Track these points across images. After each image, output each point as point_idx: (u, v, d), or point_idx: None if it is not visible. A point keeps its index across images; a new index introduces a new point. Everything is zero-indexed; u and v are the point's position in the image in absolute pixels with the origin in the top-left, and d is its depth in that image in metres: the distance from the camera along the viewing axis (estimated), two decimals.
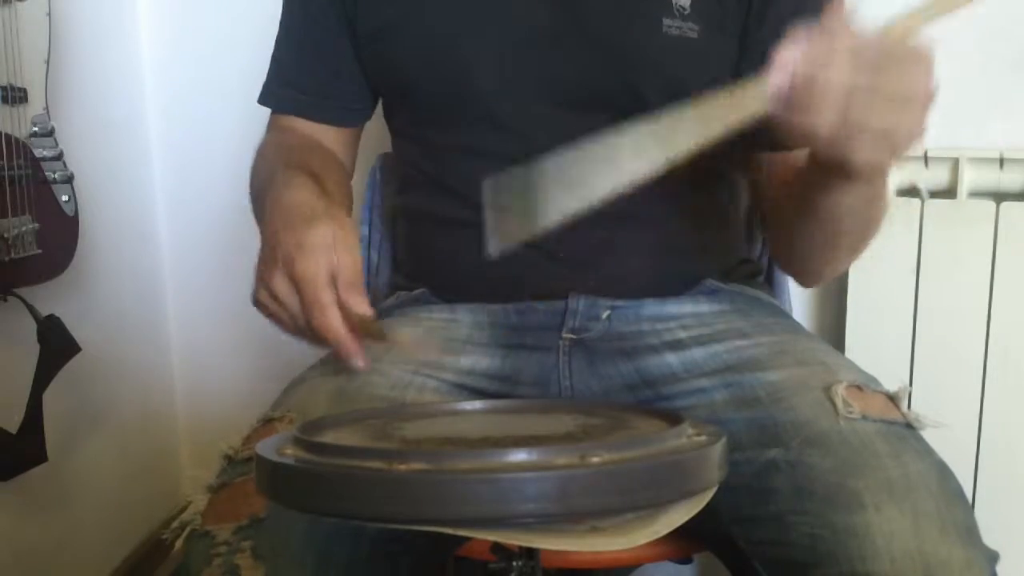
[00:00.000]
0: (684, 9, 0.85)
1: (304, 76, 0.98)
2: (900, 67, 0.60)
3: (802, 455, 0.73)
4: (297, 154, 0.93)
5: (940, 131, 1.26)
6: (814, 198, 0.77)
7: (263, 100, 1.00)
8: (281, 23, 0.99)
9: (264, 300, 0.75)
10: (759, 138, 0.93)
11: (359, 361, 0.75)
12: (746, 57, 0.89)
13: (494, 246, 0.61)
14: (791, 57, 0.58)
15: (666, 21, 0.85)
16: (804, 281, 0.98)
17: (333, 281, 0.72)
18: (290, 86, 0.99)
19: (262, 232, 0.81)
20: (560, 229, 0.90)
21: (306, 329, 0.74)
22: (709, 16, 0.86)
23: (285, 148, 0.96)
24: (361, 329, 0.73)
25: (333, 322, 0.70)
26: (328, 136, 0.99)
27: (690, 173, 0.91)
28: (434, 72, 0.89)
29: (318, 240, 0.72)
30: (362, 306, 0.72)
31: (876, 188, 0.75)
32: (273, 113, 1.01)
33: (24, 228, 1.10)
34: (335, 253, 0.71)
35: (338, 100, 0.98)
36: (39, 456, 1.19)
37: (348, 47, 0.94)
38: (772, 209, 0.94)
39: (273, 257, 0.74)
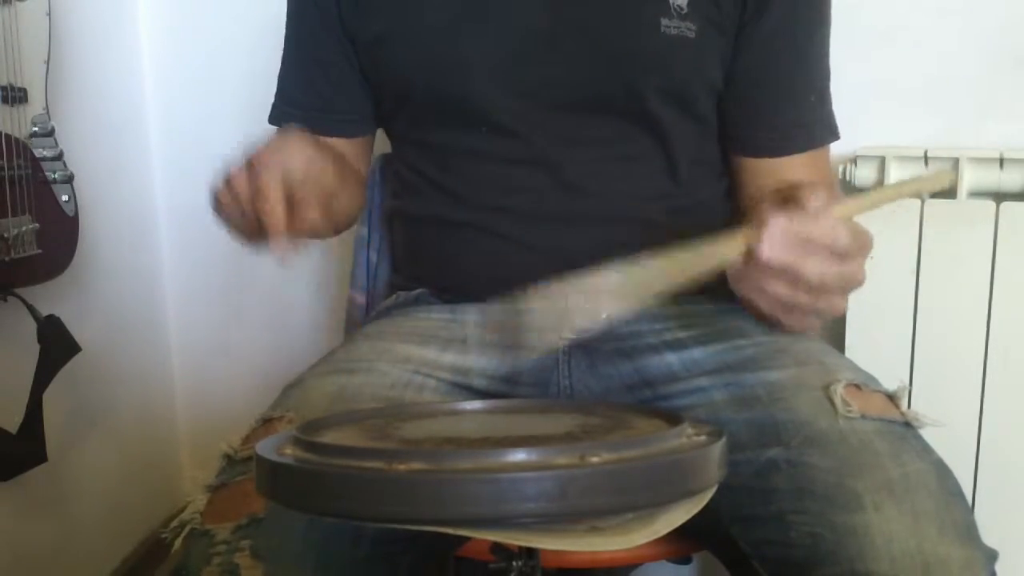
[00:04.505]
0: (682, 9, 0.85)
1: (310, 93, 0.99)
2: (854, 261, 0.65)
3: (802, 455, 0.73)
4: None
5: (940, 131, 1.27)
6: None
7: (272, 120, 1.01)
8: (285, 42, 0.99)
9: (220, 192, 0.74)
10: (736, 142, 0.94)
11: (284, 254, 0.71)
12: (741, 56, 0.89)
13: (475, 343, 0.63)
14: (779, 226, 0.62)
15: (664, 21, 0.85)
16: None
17: (290, 181, 0.71)
18: (296, 104, 0.99)
19: None
20: (559, 230, 0.91)
21: (249, 217, 0.72)
22: (706, 15, 0.86)
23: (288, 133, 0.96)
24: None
25: (274, 207, 0.69)
26: (340, 148, 0.99)
27: (688, 173, 0.92)
28: (434, 75, 0.90)
29: (288, 140, 0.72)
30: (310, 210, 0.71)
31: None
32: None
33: (24, 228, 1.10)
34: (302, 154, 0.71)
35: (345, 113, 0.98)
36: (39, 456, 1.19)
37: (350, 60, 0.94)
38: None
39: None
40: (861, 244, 0.65)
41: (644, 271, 0.63)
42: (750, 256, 0.63)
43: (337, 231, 1.02)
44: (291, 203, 0.70)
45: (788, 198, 0.65)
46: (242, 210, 0.72)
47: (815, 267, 0.62)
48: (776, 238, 0.62)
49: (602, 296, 0.63)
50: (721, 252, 0.64)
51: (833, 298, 0.65)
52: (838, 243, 0.62)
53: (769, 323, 0.69)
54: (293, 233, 0.70)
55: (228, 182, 0.73)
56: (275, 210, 0.69)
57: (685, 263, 0.63)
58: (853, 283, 0.66)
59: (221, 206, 0.75)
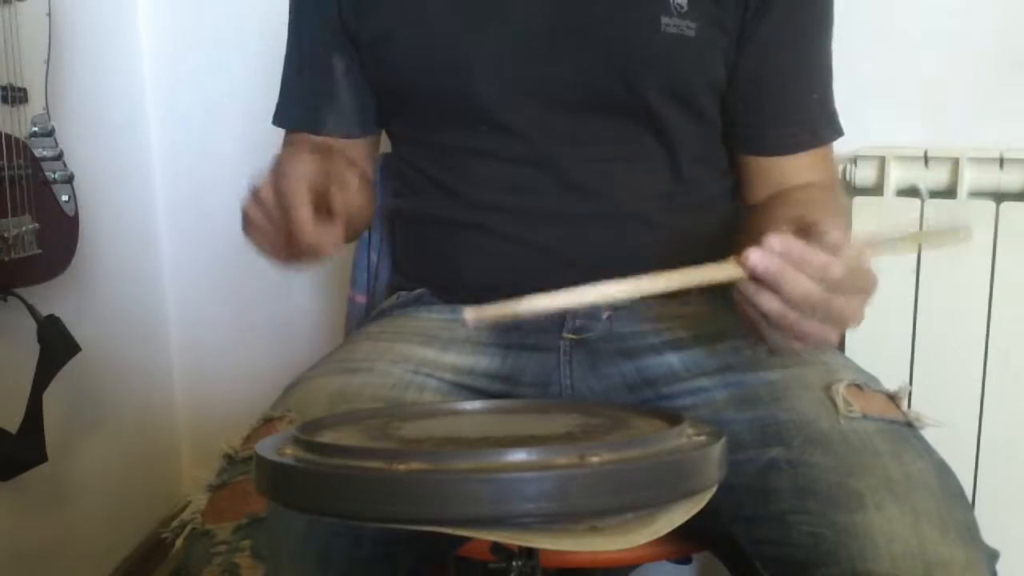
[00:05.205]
0: (682, 7, 0.85)
1: (312, 93, 0.98)
2: (852, 295, 0.65)
3: (803, 454, 0.73)
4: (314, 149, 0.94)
5: (940, 131, 1.27)
6: None
7: (276, 121, 1.01)
8: (287, 43, 0.99)
9: (247, 206, 0.74)
10: (740, 141, 0.94)
11: (315, 246, 0.70)
12: (744, 55, 0.89)
13: (471, 316, 0.64)
14: (776, 244, 0.63)
15: (664, 19, 0.85)
16: None
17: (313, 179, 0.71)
18: (300, 104, 0.99)
19: None
20: (561, 230, 0.91)
21: (277, 223, 0.72)
22: (706, 14, 0.86)
23: (302, 150, 0.96)
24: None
25: (300, 199, 0.69)
26: (345, 148, 0.99)
27: (691, 172, 0.92)
28: (435, 75, 0.90)
29: (302, 152, 0.73)
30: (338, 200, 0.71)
31: None
32: (287, 132, 1.01)
33: (24, 228, 1.10)
34: (318, 163, 0.72)
35: (349, 113, 0.98)
36: (39, 456, 1.19)
37: (353, 60, 0.94)
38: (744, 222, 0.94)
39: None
40: (861, 284, 0.65)
41: (643, 282, 0.64)
42: (743, 264, 0.63)
43: (352, 238, 1.02)
44: (319, 202, 0.70)
45: (804, 229, 0.65)
46: (270, 217, 0.72)
47: (799, 285, 0.63)
48: (769, 249, 0.62)
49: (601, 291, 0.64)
50: (720, 268, 0.65)
51: (820, 326, 0.65)
52: (830, 271, 0.63)
53: (755, 337, 0.69)
54: (325, 231, 0.70)
55: (254, 195, 0.73)
56: (301, 202, 0.69)
57: (685, 277, 0.64)
58: (844, 317, 0.65)
59: (250, 222, 0.74)
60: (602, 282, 0.63)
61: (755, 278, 0.63)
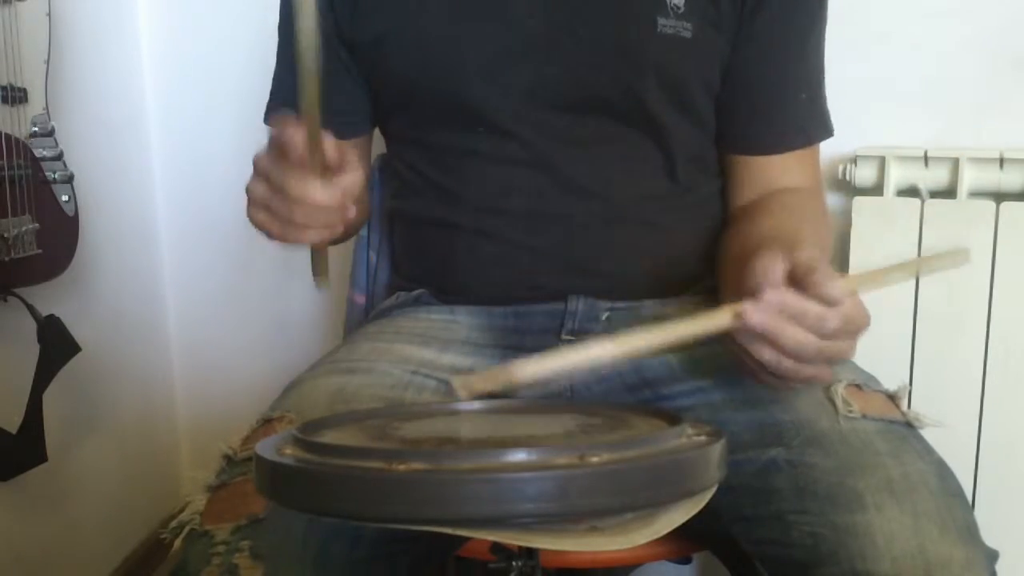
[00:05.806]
0: (678, 8, 0.85)
1: None
2: (845, 338, 0.66)
3: (803, 455, 0.73)
4: None
5: (940, 131, 1.27)
6: None
7: (267, 120, 1.00)
8: (279, 43, 0.99)
9: (252, 186, 0.72)
10: (729, 139, 0.94)
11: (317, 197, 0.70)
12: (737, 53, 0.89)
13: (461, 387, 0.65)
14: (774, 299, 0.64)
15: (660, 20, 0.85)
16: None
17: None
18: (291, 104, 0.99)
19: None
20: (559, 231, 0.91)
21: (286, 209, 0.70)
22: (703, 15, 0.86)
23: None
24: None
25: (296, 139, 0.69)
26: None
27: (686, 173, 0.92)
28: (431, 77, 0.90)
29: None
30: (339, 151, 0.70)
31: None
32: None
33: (24, 228, 1.10)
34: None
35: (341, 114, 0.98)
36: (39, 456, 1.19)
37: (345, 60, 0.94)
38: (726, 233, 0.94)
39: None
40: (855, 328, 0.66)
41: (636, 339, 0.65)
42: (739, 318, 0.65)
43: (347, 235, 1.02)
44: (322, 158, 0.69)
45: (799, 271, 0.65)
46: (271, 178, 0.70)
47: (795, 337, 0.64)
48: (766, 306, 0.64)
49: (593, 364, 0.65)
50: (714, 319, 0.66)
51: (814, 369, 0.67)
52: (825, 326, 0.64)
53: (754, 379, 0.71)
54: (331, 184, 0.69)
55: (255, 168, 0.71)
56: (296, 136, 0.68)
57: (678, 329, 0.65)
58: (838, 359, 0.67)
59: (253, 200, 0.72)
60: (596, 342, 0.64)
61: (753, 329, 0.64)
